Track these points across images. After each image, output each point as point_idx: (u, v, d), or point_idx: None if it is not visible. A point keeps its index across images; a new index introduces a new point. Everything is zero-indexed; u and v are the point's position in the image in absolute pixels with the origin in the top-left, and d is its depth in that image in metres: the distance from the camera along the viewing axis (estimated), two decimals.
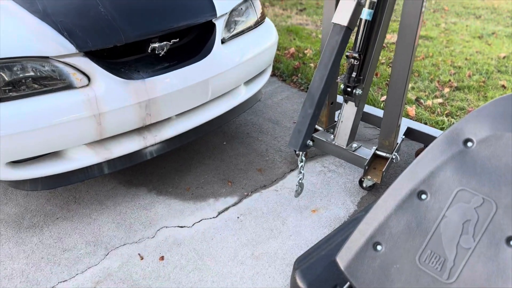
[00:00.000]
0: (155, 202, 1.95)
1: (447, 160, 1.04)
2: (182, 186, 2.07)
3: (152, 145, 1.91)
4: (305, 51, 3.56)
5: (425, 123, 2.54)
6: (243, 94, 2.23)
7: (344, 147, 2.05)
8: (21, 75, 1.55)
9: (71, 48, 1.60)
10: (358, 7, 1.66)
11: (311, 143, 1.82)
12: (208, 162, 2.24)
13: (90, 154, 1.74)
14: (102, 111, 1.65)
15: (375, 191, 2.04)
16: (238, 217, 1.88)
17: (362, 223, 1.09)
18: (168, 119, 1.94)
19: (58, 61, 1.59)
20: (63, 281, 1.57)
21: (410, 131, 2.24)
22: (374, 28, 1.83)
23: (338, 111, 2.29)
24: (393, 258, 1.02)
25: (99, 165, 1.80)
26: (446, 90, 3.00)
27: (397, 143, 2.09)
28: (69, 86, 1.62)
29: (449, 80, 3.14)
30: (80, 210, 1.91)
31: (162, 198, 1.98)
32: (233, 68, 2.04)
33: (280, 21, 4.51)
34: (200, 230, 1.81)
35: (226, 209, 1.93)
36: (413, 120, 2.55)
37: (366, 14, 1.77)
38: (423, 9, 1.66)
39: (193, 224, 1.84)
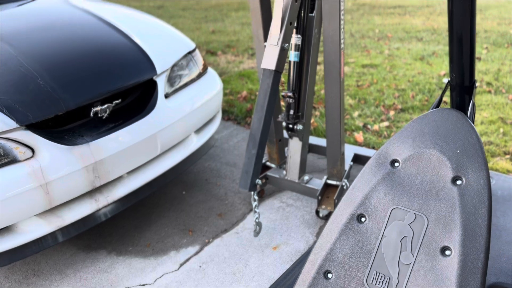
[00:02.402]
0: (115, 263, 1.94)
1: (378, 182, 1.11)
2: (142, 243, 2.06)
3: (105, 206, 1.91)
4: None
5: (373, 147, 2.65)
6: (195, 142, 2.29)
7: (296, 181, 2.12)
8: None
9: (12, 124, 1.63)
10: (283, 52, 1.78)
11: (260, 182, 1.88)
12: (168, 214, 2.26)
13: (42, 224, 1.74)
14: (48, 180, 1.66)
15: None
16: (200, 266, 1.89)
17: (312, 254, 1.14)
18: (119, 178, 1.96)
19: (0, 137, 1.62)
20: None
21: (357, 157, 2.34)
22: (303, 67, 1.95)
23: (287, 148, 2.37)
24: (343, 284, 1.06)
25: (52, 234, 1.79)
26: (392, 113, 3.16)
27: (345, 170, 2.17)
28: (13, 161, 1.64)
29: (394, 103, 3.31)
30: (40, 282, 1.87)
31: (122, 258, 1.97)
32: (180, 120, 2.11)
33: (232, 67, 4.68)
34: (162, 285, 1.80)
35: (188, 259, 1.93)
36: (362, 145, 2.66)
37: (293, 56, 1.90)
38: (342, 46, 1.80)
39: (155, 280, 1.83)
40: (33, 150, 1.68)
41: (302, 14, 1.90)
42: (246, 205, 2.29)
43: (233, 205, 2.29)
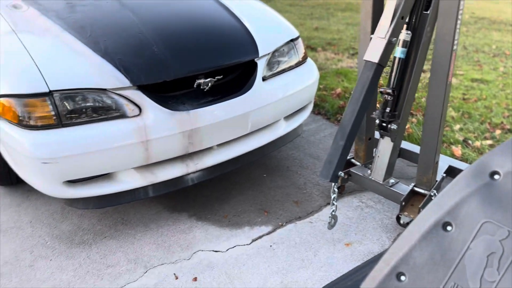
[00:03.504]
0: (194, 227, 2.06)
1: (473, 192, 1.05)
2: (220, 213, 2.17)
3: (194, 172, 2.04)
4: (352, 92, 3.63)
5: (470, 163, 2.46)
6: (283, 128, 2.33)
7: (381, 182, 2.05)
8: (82, 104, 1.78)
9: (126, 82, 1.82)
10: (389, 46, 1.73)
11: (342, 174, 1.86)
12: (247, 193, 2.34)
13: (137, 177, 1.91)
14: (149, 138, 1.82)
15: None
16: (270, 246, 1.93)
17: (387, 253, 1.12)
18: (209, 149, 2.07)
19: (114, 93, 1.81)
20: None
21: (452, 169, 2.19)
22: (408, 66, 1.88)
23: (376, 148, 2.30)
24: None
25: (145, 188, 1.96)
26: (498, 132, 2.89)
27: (437, 181, 2.05)
28: (122, 115, 1.82)
29: (502, 122, 3.03)
30: (126, 230, 2.06)
31: (200, 223, 2.09)
32: (273, 104, 2.16)
33: (330, 64, 4.64)
34: (233, 255, 1.87)
35: (260, 237, 1.99)
36: (459, 159, 2.48)
37: (399, 52, 1.83)
38: (455, 47, 1.70)
39: (227, 250, 1.91)
40: (140, 109, 1.85)
41: (416, 10, 1.82)
42: (324, 198, 2.28)
43: (310, 196, 2.30)
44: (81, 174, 1.80)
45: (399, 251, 1.13)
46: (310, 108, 2.52)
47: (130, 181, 1.91)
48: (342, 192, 2.30)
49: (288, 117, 2.38)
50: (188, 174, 2.03)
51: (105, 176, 1.90)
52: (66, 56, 1.86)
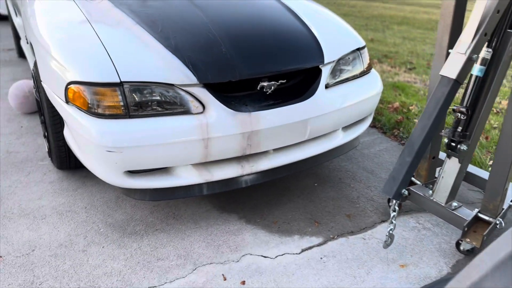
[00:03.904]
0: (243, 230, 2.04)
1: None
2: (270, 219, 2.13)
3: (248, 174, 2.03)
4: (410, 107, 3.51)
5: None
6: (340, 138, 2.27)
7: (443, 205, 1.95)
8: (149, 97, 1.81)
9: (193, 79, 1.83)
10: (469, 62, 1.64)
11: (405, 192, 1.78)
12: (297, 201, 2.29)
13: (194, 174, 1.92)
14: (210, 136, 1.82)
15: (473, 256, 1.88)
16: (321, 258, 1.87)
17: (453, 280, 1.05)
18: (265, 152, 2.05)
19: (181, 89, 1.82)
20: (153, 287, 1.70)
21: None
22: (485, 85, 1.78)
23: (439, 168, 2.19)
24: None
25: (200, 186, 1.97)
26: None
27: (503, 208, 1.93)
28: (186, 112, 1.84)
29: None
30: (177, 225, 2.07)
31: (250, 226, 2.07)
32: (333, 112, 2.11)
33: (386, 77, 4.52)
34: (282, 263, 1.83)
35: (310, 247, 1.94)
36: None
37: (477, 70, 1.73)
38: None
39: (276, 256, 1.87)
40: (203, 107, 1.85)
41: (500, 27, 1.72)
42: (378, 214, 2.19)
43: (364, 211, 2.22)
44: (142, 166, 1.82)
45: (467, 280, 1.06)
46: (369, 120, 2.45)
47: (187, 177, 1.92)
48: (399, 209, 2.21)
49: (346, 128, 2.33)
50: (243, 175, 2.02)
51: (163, 170, 1.92)
52: (138, 48, 1.90)
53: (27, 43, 2.68)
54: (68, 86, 1.83)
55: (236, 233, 2.02)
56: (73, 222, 2.07)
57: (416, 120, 3.26)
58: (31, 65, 2.97)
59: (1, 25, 5.70)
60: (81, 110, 1.81)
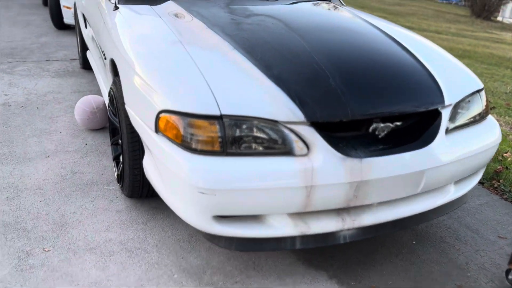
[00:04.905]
0: None
1: None
2: (366, 282, 1.82)
3: (348, 229, 1.73)
4: (505, 154, 3.12)
5: None
6: (452, 193, 1.94)
7: None
8: (249, 134, 1.57)
9: (300, 116, 1.58)
10: None
11: None
12: (396, 261, 1.97)
13: (289, 224, 1.65)
14: (314, 184, 1.55)
15: None
16: None
17: None
18: (368, 205, 1.76)
19: (285, 126, 1.58)
20: None
21: None
22: None
23: None
24: None
25: (293, 238, 1.69)
26: None
27: None
28: (288, 153, 1.58)
29: None
30: (259, 279, 1.80)
31: None
32: (452, 163, 1.80)
33: None
34: None
35: None
36: None
37: None
38: None
39: None
40: (308, 148, 1.59)
41: None
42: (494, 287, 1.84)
43: (477, 282, 1.87)
44: (234, 211, 1.57)
45: None
46: (481, 174, 2.11)
47: (281, 227, 1.65)
48: None
49: (457, 182, 2.00)
50: (342, 230, 1.73)
51: (255, 217, 1.66)
52: (238, 77, 1.69)
53: (105, 58, 2.54)
54: (160, 115, 1.62)
55: None
56: (143, 263, 1.84)
57: None
58: (105, 82, 2.84)
59: (64, 34, 5.76)
60: (173, 143, 1.59)
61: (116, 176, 2.31)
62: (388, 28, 2.38)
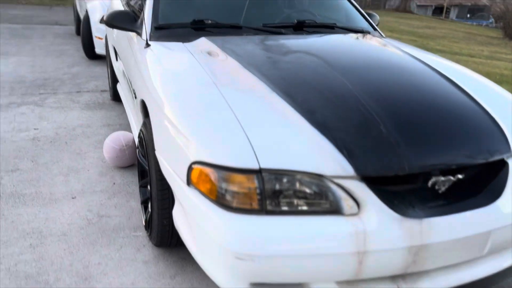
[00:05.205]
0: None
1: None
2: None
3: None
4: None
5: None
6: None
7: None
8: (291, 190, 1.40)
9: (349, 170, 1.40)
10: None
11: None
12: None
13: None
14: (367, 249, 1.36)
15: None
16: None
17: None
18: (427, 270, 1.54)
19: (332, 181, 1.40)
20: None
21: None
22: None
23: None
24: None
25: None
26: None
27: None
28: (336, 212, 1.40)
29: None
30: None
31: None
32: None
33: None
34: None
35: None
36: None
37: None
38: None
39: None
40: (359, 207, 1.40)
41: None
42: None
43: None
44: (274, 279, 1.39)
45: None
46: None
47: None
48: None
49: None
50: None
51: (296, 285, 1.46)
52: (277, 124, 1.53)
53: (135, 97, 2.45)
54: (193, 166, 1.48)
55: None
56: None
57: None
58: (134, 118, 2.75)
59: (95, 64, 5.82)
60: (206, 198, 1.44)
61: (143, 222, 2.17)
62: (437, 63, 2.19)
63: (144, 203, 2.22)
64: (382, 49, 2.36)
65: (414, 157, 1.46)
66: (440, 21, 26.81)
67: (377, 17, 3.15)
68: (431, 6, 41.00)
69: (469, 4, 43.14)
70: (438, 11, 39.47)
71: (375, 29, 2.87)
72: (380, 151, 1.46)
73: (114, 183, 2.72)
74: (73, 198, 2.52)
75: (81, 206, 2.44)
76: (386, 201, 1.41)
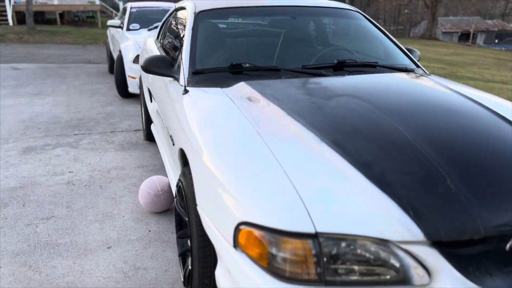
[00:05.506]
0: None
1: None
2: None
3: None
4: None
5: None
6: None
7: None
8: (352, 257, 1.25)
9: (418, 234, 1.25)
10: None
11: None
12: None
13: None
14: None
15: None
16: None
17: None
18: None
19: (399, 247, 1.25)
20: None
21: None
22: None
23: None
24: None
25: None
26: None
27: None
28: (403, 282, 1.24)
29: None
30: None
31: None
32: None
33: None
34: None
35: None
36: None
37: None
38: None
39: None
40: (429, 275, 1.24)
41: None
42: None
43: None
44: None
45: None
46: None
47: None
48: None
49: None
50: None
51: None
52: (331, 180, 1.40)
53: (173, 144, 2.38)
54: (240, 227, 1.36)
55: None
56: None
57: None
58: (170, 163, 2.68)
59: (128, 103, 5.89)
60: (256, 264, 1.31)
61: (182, 277, 2.05)
62: (491, 102, 2.04)
63: (182, 255, 2.10)
64: (432, 89, 2.23)
65: (488, 217, 1.30)
66: (467, 47, 26.42)
67: (418, 52, 3.03)
68: (457, 32, 40.65)
69: (496, 29, 42.51)
70: (464, 37, 39.04)
71: (418, 66, 2.74)
72: (451, 211, 1.30)
73: (149, 231, 2.63)
74: (108, 248, 2.43)
75: (117, 257, 2.35)
76: (460, 269, 1.25)
